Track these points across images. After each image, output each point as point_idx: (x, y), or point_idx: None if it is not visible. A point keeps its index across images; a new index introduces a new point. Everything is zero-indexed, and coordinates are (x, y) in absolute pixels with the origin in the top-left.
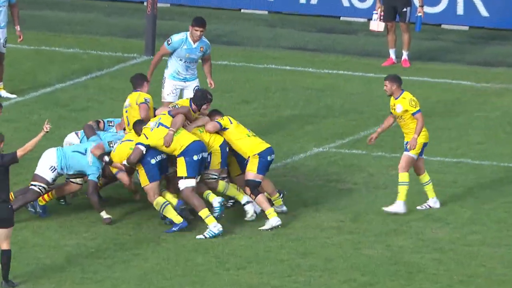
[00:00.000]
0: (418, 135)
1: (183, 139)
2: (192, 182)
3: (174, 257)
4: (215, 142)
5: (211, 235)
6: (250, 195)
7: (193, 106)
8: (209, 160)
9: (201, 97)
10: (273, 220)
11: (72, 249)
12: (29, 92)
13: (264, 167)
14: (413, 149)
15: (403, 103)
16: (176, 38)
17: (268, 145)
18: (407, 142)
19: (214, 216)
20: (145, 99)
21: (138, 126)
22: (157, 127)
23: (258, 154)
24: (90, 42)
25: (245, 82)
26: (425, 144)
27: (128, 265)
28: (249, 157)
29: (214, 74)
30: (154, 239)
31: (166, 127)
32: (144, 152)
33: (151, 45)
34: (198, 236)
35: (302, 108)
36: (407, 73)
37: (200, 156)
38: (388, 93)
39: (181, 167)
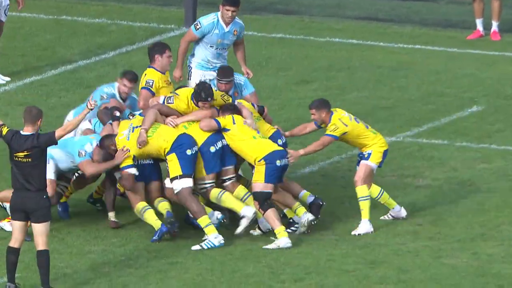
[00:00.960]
0: (305, 153)
1: (165, 133)
2: (189, 182)
3: (219, 267)
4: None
5: (209, 246)
6: (258, 210)
7: (194, 100)
8: None
9: (196, 93)
10: (282, 240)
11: (97, 257)
12: (46, 70)
13: (273, 174)
14: (292, 160)
15: None
16: (205, 21)
17: (277, 148)
18: (362, 153)
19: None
20: (147, 82)
21: (106, 142)
22: (132, 131)
23: (264, 158)
24: (119, 11)
25: (303, 59)
26: (385, 152)
27: (165, 276)
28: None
29: (267, 48)
30: (195, 245)
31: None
32: (135, 173)
33: (191, 15)
34: (193, 247)
35: (372, 90)
36: (497, 47)
37: (194, 151)
38: (319, 123)
39: (174, 165)
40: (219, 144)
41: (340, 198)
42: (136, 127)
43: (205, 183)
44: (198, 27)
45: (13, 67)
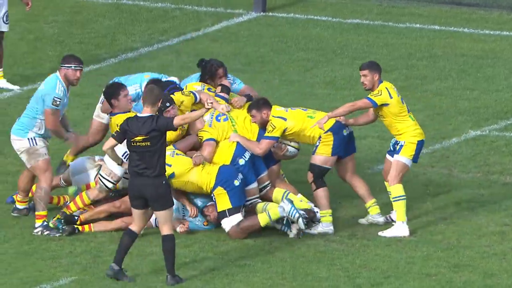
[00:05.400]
0: (333, 116)
1: (209, 167)
2: (238, 218)
3: (290, 270)
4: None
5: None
6: (311, 183)
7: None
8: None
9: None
10: (324, 226)
11: (159, 259)
12: (106, 59)
13: (340, 145)
14: (321, 126)
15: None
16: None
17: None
18: (396, 142)
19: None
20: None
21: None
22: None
23: (331, 129)
24: None
25: (382, 47)
26: (420, 143)
27: (232, 279)
28: (320, 137)
29: (343, 35)
30: (264, 246)
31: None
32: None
33: None
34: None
35: (456, 80)
36: None
37: (240, 180)
38: (368, 86)
39: (222, 199)
40: (247, 155)
41: (421, 197)
42: (178, 154)
43: (250, 200)
44: None
45: None
